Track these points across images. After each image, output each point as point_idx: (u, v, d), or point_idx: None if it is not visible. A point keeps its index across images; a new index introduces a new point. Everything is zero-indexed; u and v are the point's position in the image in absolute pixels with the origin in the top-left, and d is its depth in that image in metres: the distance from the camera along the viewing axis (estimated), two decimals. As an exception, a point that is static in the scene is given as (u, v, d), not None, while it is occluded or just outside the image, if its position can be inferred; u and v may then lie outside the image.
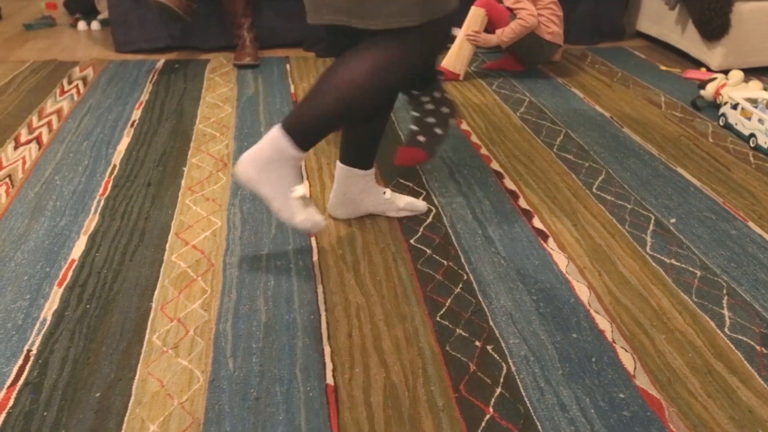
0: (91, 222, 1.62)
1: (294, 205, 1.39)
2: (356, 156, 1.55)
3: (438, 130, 1.83)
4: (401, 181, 1.85)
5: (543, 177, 1.89)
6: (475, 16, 2.61)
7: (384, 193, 1.64)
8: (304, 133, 1.35)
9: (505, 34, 2.57)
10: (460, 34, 2.67)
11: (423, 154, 1.82)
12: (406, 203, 1.66)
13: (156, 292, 1.37)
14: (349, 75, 1.33)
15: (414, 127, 1.84)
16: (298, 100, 2.43)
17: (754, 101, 2.21)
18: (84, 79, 2.62)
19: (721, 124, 2.27)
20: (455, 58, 2.65)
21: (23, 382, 1.14)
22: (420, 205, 1.68)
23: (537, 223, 1.65)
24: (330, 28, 1.48)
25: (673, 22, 3.03)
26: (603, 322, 1.31)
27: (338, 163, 1.58)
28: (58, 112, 2.30)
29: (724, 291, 1.41)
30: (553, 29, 2.63)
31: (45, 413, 1.07)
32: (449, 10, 1.36)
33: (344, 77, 1.33)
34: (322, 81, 1.35)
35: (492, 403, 1.11)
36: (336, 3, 1.30)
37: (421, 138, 1.82)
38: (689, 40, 2.93)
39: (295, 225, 1.40)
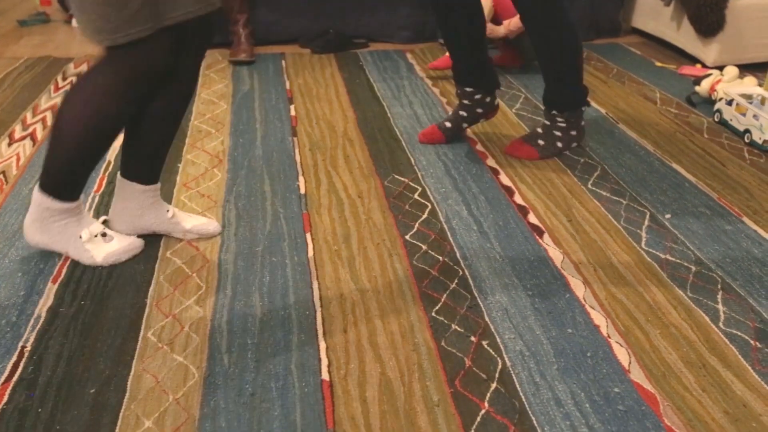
0: (86, 218, 1.61)
1: (90, 248, 1.42)
2: (136, 169, 1.45)
3: (559, 144, 1.98)
4: (396, 177, 1.85)
5: (538, 173, 1.89)
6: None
7: (168, 211, 1.51)
8: (56, 184, 1.35)
9: (512, 23, 2.57)
10: None
11: (535, 154, 1.98)
12: (193, 225, 1.52)
13: (151, 289, 1.37)
14: (72, 112, 1.29)
15: (540, 130, 1.99)
16: (293, 96, 2.43)
17: (749, 97, 2.21)
18: (78, 76, 2.61)
19: (716, 120, 2.28)
20: None
21: (18, 378, 1.13)
22: (211, 228, 1.54)
23: (532, 218, 1.65)
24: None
25: (668, 19, 3.03)
26: (598, 317, 1.31)
27: (118, 175, 1.47)
28: (53, 108, 2.29)
29: (719, 286, 1.41)
30: None
31: (39, 409, 1.07)
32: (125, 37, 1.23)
33: (70, 115, 1.29)
34: (52, 127, 1.31)
35: (487, 398, 1.11)
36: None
37: (540, 141, 1.97)
38: (684, 37, 2.93)
39: (101, 263, 1.42)
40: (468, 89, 1.99)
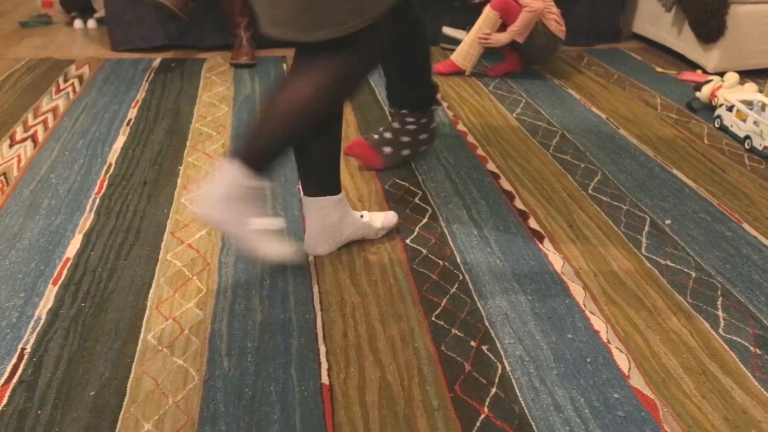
0: (87, 220, 1.62)
1: (259, 239, 1.33)
2: (323, 182, 1.42)
3: (405, 152, 1.88)
4: (397, 181, 1.85)
5: (539, 178, 1.89)
6: (487, 18, 2.62)
7: (362, 216, 1.52)
8: (258, 161, 1.30)
9: (516, 26, 2.58)
10: (470, 33, 2.69)
11: (379, 162, 1.87)
12: (382, 222, 1.55)
13: (151, 291, 1.37)
14: (293, 98, 1.26)
15: (386, 135, 1.87)
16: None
17: (749, 103, 2.22)
18: (80, 78, 2.61)
19: (717, 126, 2.28)
20: (464, 56, 2.71)
21: (17, 380, 1.13)
22: (392, 217, 1.57)
23: (533, 223, 1.66)
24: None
25: (669, 24, 3.04)
26: (598, 323, 1.31)
27: (305, 198, 1.44)
28: (54, 110, 2.29)
29: (719, 292, 1.41)
30: (563, 26, 2.65)
31: (39, 411, 1.07)
32: (381, 13, 1.23)
33: (289, 101, 1.27)
34: (267, 108, 1.29)
35: (487, 403, 1.11)
36: (276, 16, 1.19)
37: (386, 149, 1.86)
38: (685, 42, 2.94)
39: (264, 257, 1.35)
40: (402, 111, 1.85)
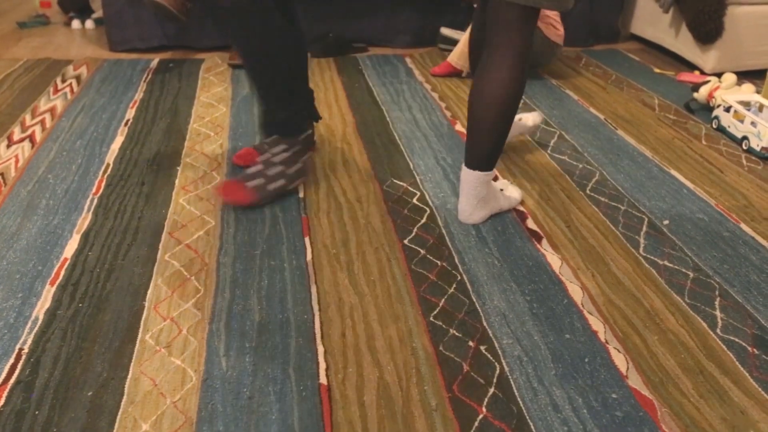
0: (84, 221, 1.61)
1: (509, 194, 1.71)
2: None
3: (280, 182, 1.68)
4: (395, 181, 1.85)
5: (537, 178, 1.90)
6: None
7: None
8: (489, 160, 1.56)
9: None
10: (467, 32, 2.69)
11: (252, 198, 1.65)
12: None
13: (149, 291, 1.36)
14: (497, 91, 1.46)
15: (257, 168, 1.68)
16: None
17: (746, 104, 2.22)
18: (78, 78, 2.61)
19: (714, 126, 2.28)
20: (459, 55, 2.72)
21: (15, 380, 1.13)
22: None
23: (531, 224, 1.66)
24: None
25: (667, 25, 3.05)
26: (596, 323, 1.31)
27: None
28: (52, 110, 2.29)
29: (717, 292, 1.42)
30: (561, 31, 2.66)
31: (36, 412, 1.07)
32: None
33: (495, 94, 1.47)
34: (477, 110, 1.50)
35: (485, 403, 1.11)
36: None
37: (257, 181, 1.66)
38: (683, 43, 2.94)
39: (519, 198, 1.73)
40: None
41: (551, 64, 2.88)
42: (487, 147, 1.53)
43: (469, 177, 1.58)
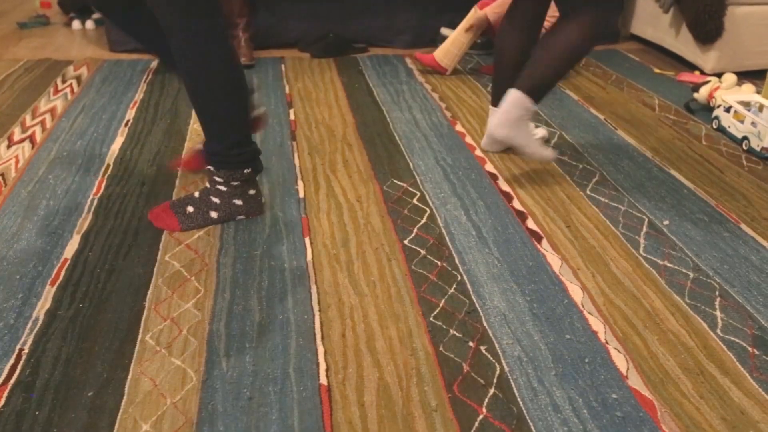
0: (85, 221, 1.61)
1: (539, 144, 1.83)
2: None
3: (213, 215, 1.59)
4: (395, 181, 1.85)
5: (537, 178, 1.90)
6: (471, 16, 2.64)
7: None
8: (533, 89, 1.74)
9: (493, 6, 2.60)
10: (455, 31, 2.71)
11: (176, 225, 1.58)
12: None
13: (149, 292, 1.36)
14: (567, 43, 1.71)
15: (196, 195, 1.60)
16: (292, 101, 2.43)
17: (747, 104, 2.22)
18: (78, 78, 2.61)
19: (715, 126, 2.28)
20: (444, 53, 2.72)
21: (15, 381, 1.13)
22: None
23: (531, 224, 1.66)
24: None
25: (667, 26, 3.05)
26: (596, 323, 1.31)
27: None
28: (52, 110, 2.29)
29: (717, 293, 1.42)
30: None
31: (37, 412, 1.07)
32: None
33: (564, 45, 1.71)
34: (545, 49, 1.73)
35: (485, 403, 1.11)
36: None
37: (190, 208, 1.59)
38: (683, 44, 2.95)
39: (540, 155, 1.83)
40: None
41: None
42: (538, 76, 1.74)
43: (510, 94, 1.76)
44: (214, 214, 1.59)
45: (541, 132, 2.14)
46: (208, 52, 1.42)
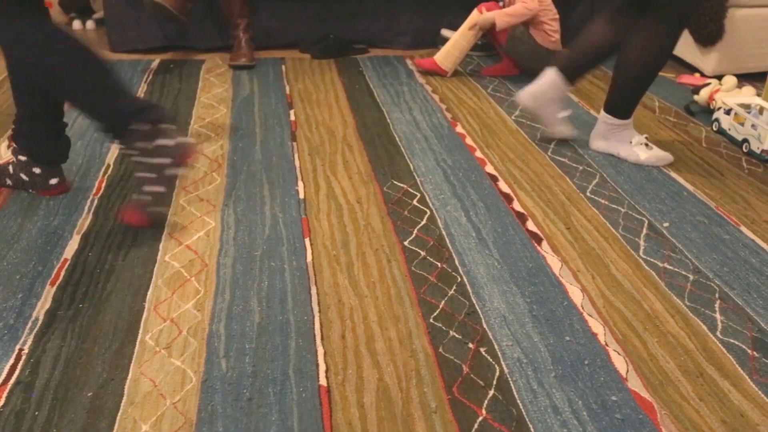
0: (85, 221, 1.61)
1: (636, 150, 2.00)
2: (620, 103, 1.96)
3: (158, 188, 1.54)
4: (395, 183, 1.85)
5: (537, 180, 1.90)
6: (472, 18, 2.65)
7: (631, 142, 2.02)
8: (615, 107, 1.96)
9: (506, 10, 2.60)
10: (455, 34, 2.71)
11: (142, 218, 1.55)
12: (643, 154, 2.00)
13: (149, 292, 1.36)
14: (647, 52, 1.84)
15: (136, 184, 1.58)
16: (293, 101, 2.44)
17: (747, 107, 2.22)
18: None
19: (715, 129, 2.28)
20: (444, 55, 2.73)
21: (15, 381, 1.13)
22: (663, 155, 2.01)
23: (531, 226, 1.66)
24: None
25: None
26: (596, 325, 1.31)
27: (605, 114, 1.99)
28: (53, 111, 2.28)
29: (717, 295, 1.42)
30: (555, 38, 2.66)
31: (36, 412, 1.07)
32: None
33: (638, 56, 1.84)
34: (621, 62, 1.88)
35: (485, 405, 1.11)
36: None
37: (134, 196, 1.57)
38: (683, 46, 2.95)
39: (644, 162, 2.00)
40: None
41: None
42: (617, 94, 1.91)
43: (601, 115, 2.02)
44: (159, 188, 1.55)
45: (567, 113, 2.19)
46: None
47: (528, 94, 2.02)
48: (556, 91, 2.00)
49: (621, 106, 1.94)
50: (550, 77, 1.98)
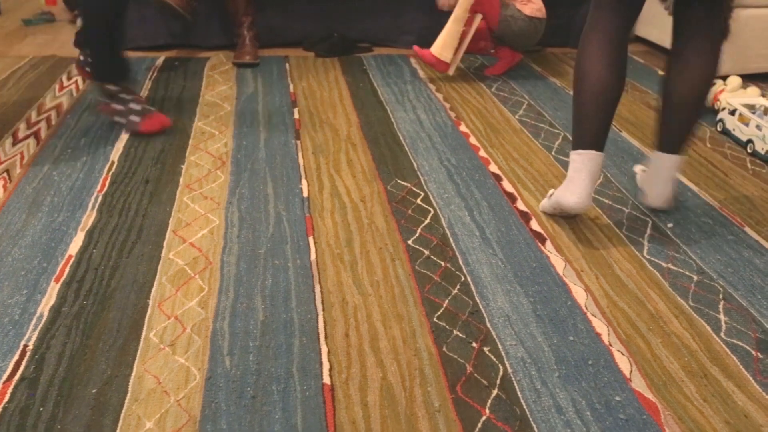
0: (89, 218, 1.62)
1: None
2: (677, 143, 1.65)
3: (131, 119, 2.07)
4: (399, 181, 1.85)
5: (541, 179, 1.89)
6: (463, 2, 2.59)
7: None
8: (684, 143, 1.65)
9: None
10: (447, 24, 2.64)
11: (105, 109, 2.09)
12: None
13: (153, 289, 1.37)
14: (699, 81, 1.58)
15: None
16: (297, 100, 2.44)
17: (751, 107, 2.22)
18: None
19: (719, 129, 2.28)
20: (441, 44, 2.61)
21: (19, 377, 1.13)
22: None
23: (535, 225, 1.66)
24: None
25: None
26: (600, 325, 1.31)
27: (661, 154, 1.66)
28: (57, 107, 2.29)
29: (721, 296, 1.41)
30: (538, 4, 2.61)
31: (41, 408, 1.07)
32: None
33: (696, 84, 1.58)
34: (678, 98, 1.60)
35: (488, 404, 1.11)
36: None
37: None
38: (688, 46, 2.94)
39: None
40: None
41: (536, 43, 2.77)
42: (685, 131, 1.62)
43: (668, 162, 1.65)
44: (132, 118, 2.11)
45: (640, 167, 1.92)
46: None
47: (662, 201, 1.71)
48: (599, 169, 1.60)
49: (685, 140, 1.64)
50: (587, 170, 1.58)
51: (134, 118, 2.07)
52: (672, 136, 1.64)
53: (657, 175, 1.68)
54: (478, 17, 2.60)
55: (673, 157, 1.65)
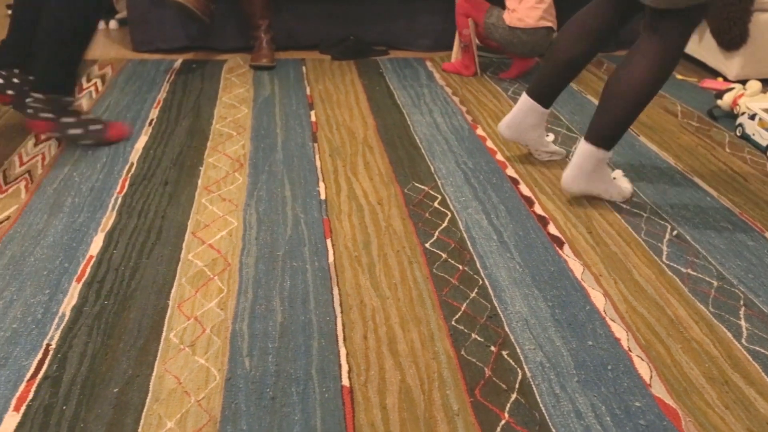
0: (109, 219, 1.63)
1: (619, 184, 1.80)
2: (606, 137, 1.68)
3: (78, 131, 1.99)
4: (416, 184, 1.85)
5: (558, 183, 1.89)
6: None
7: (614, 178, 1.82)
8: (607, 139, 1.68)
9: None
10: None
11: (51, 126, 1.97)
12: (626, 186, 1.82)
13: (173, 290, 1.38)
14: (635, 79, 1.59)
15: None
16: (313, 102, 2.45)
17: (771, 112, 2.19)
18: (102, 78, 2.64)
19: (738, 134, 2.26)
20: (455, 52, 2.81)
21: (43, 375, 1.15)
22: (627, 189, 1.81)
23: (552, 229, 1.65)
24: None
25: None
26: (619, 330, 1.30)
27: (582, 139, 1.72)
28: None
29: (741, 302, 1.40)
30: (520, 14, 2.60)
31: (64, 407, 1.08)
32: None
33: (631, 82, 1.60)
34: (610, 90, 1.63)
35: (507, 408, 1.11)
36: None
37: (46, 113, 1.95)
38: (706, 50, 2.92)
39: (621, 196, 1.78)
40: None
41: (543, 50, 2.76)
42: (605, 125, 1.66)
43: (582, 148, 1.71)
44: (78, 131, 2.02)
45: (617, 173, 1.91)
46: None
47: (505, 125, 1.92)
48: (534, 116, 1.87)
49: (613, 135, 1.67)
50: (523, 104, 1.85)
51: (95, 126, 2.01)
52: (593, 123, 1.69)
53: (573, 157, 1.75)
54: (471, 21, 2.67)
55: (585, 144, 1.69)
